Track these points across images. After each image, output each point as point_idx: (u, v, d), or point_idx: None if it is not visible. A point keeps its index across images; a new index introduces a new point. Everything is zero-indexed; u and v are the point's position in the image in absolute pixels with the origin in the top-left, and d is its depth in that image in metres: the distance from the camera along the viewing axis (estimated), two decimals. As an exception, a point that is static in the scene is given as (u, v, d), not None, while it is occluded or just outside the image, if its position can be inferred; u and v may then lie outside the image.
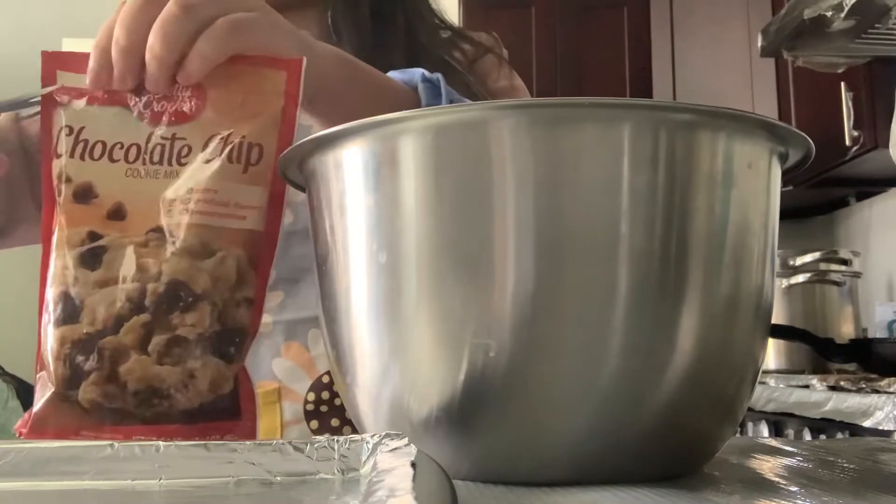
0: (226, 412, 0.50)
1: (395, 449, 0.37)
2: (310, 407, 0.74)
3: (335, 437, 0.41)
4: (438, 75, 0.68)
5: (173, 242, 0.51)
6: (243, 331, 0.51)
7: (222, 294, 0.51)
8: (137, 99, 0.54)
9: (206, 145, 0.52)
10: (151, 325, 0.50)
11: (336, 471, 0.40)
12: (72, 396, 0.50)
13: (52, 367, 0.51)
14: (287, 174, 0.53)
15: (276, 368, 0.74)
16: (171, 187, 0.52)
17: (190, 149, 0.52)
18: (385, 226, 0.44)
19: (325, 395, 0.74)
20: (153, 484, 0.40)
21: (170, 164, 0.53)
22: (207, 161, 0.52)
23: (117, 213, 0.52)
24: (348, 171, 0.46)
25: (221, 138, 0.52)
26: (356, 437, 0.41)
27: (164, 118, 0.53)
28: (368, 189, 0.45)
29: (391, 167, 0.44)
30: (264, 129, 0.53)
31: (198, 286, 0.50)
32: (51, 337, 0.51)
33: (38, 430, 0.50)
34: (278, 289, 0.76)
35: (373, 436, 0.40)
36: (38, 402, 0.51)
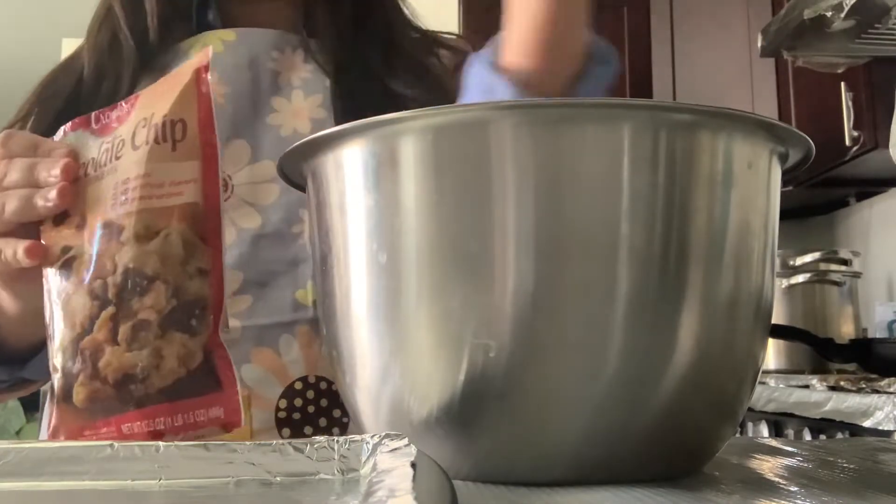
0: (205, 386, 0.50)
1: (395, 449, 0.37)
2: (282, 414, 0.71)
3: (335, 438, 0.41)
4: None
5: (121, 233, 0.52)
6: (202, 301, 0.52)
7: (173, 270, 0.51)
8: (94, 118, 0.58)
9: (134, 135, 0.54)
10: (118, 317, 0.51)
11: (336, 471, 0.40)
12: (70, 401, 0.52)
13: (53, 379, 0.53)
14: (287, 174, 0.53)
15: (246, 375, 0.71)
16: (111, 182, 0.54)
17: (123, 142, 0.55)
18: (385, 226, 0.44)
19: (298, 402, 0.71)
20: (153, 484, 0.40)
21: (111, 161, 0.55)
22: (137, 148, 0.54)
23: (82, 224, 0.55)
24: (348, 171, 0.46)
25: (145, 122, 0.54)
26: (356, 437, 0.41)
27: (109, 128, 0.57)
28: (368, 189, 0.45)
29: (391, 167, 0.44)
30: (183, 103, 0.54)
31: (148, 268, 0.51)
32: (49, 351, 0.54)
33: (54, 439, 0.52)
34: (247, 293, 0.73)
35: (373, 436, 0.40)
36: (50, 414, 0.53)
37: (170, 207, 0.52)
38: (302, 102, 0.78)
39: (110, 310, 0.51)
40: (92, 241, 0.53)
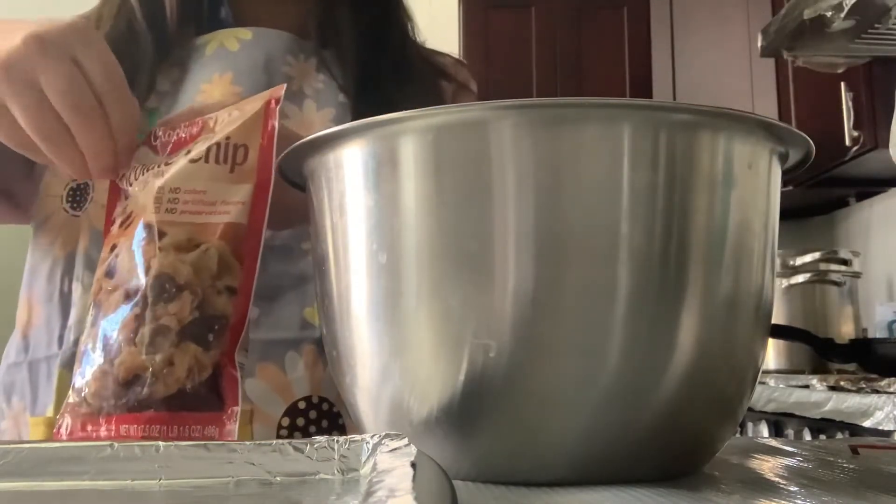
0: (207, 403, 0.51)
1: (395, 449, 0.37)
2: (283, 433, 0.70)
3: (335, 438, 0.41)
4: None
5: (160, 238, 0.53)
6: (223, 318, 0.52)
7: (203, 283, 0.52)
8: (153, 134, 0.59)
9: (191, 149, 0.55)
10: (142, 318, 0.52)
11: (336, 471, 0.40)
12: (83, 392, 0.53)
13: (75, 371, 0.54)
14: (287, 174, 0.53)
15: (249, 389, 0.70)
16: (155, 186, 0.55)
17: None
18: (385, 226, 0.44)
19: (301, 421, 0.71)
20: (153, 484, 0.40)
21: (163, 168, 0.56)
22: (193, 161, 0.54)
23: (126, 222, 0.56)
24: (348, 171, 0.46)
25: (206, 140, 0.55)
26: (356, 437, 0.41)
27: (170, 147, 0.58)
28: (368, 189, 0.45)
29: (391, 167, 0.44)
30: (249, 129, 0.55)
31: (181, 277, 0.52)
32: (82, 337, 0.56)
33: (59, 432, 0.53)
34: (253, 305, 0.73)
35: (373, 436, 0.40)
36: (64, 404, 0.54)
37: (215, 224, 0.53)
38: (314, 114, 0.78)
39: (136, 310, 0.52)
40: (132, 243, 0.54)
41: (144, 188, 0.55)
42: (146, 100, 0.75)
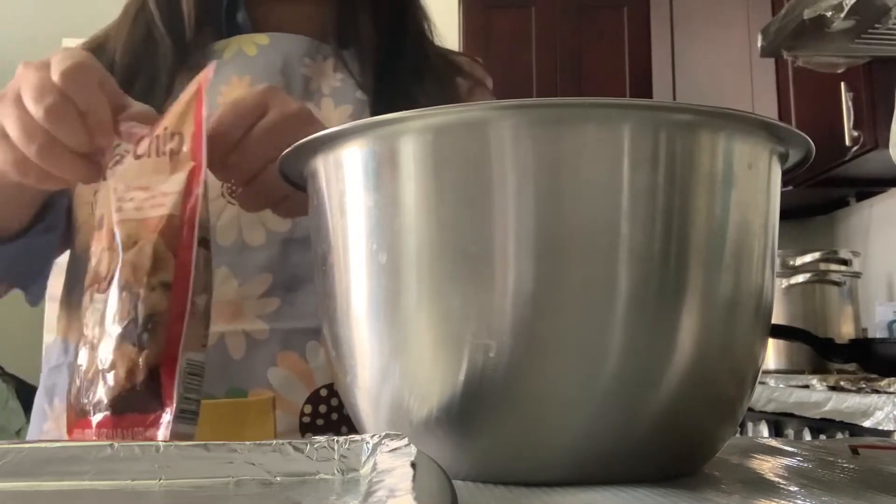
0: (147, 404, 0.50)
1: (395, 449, 0.37)
2: (306, 419, 0.71)
3: (335, 438, 0.41)
4: None
5: (114, 239, 0.53)
6: (156, 316, 0.51)
7: (139, 282, 0.52)
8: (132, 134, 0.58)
9: (138, 143, 0.56)
10: (99, 322, 0.52)
11: (336, 471, 0.40)
12: (70, 396, 0.54)
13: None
14: (287, 174, 0.53)
15: (272, 377, 0.72)
16: (111, 186, 0.56)
17: (128, 150, 0.57)
18: (385, 226, 0.44)
19: (323, 408, 0.72)
20: (153, 484, 0.40)
21: (114, 167, 0.56)
22: (138, 157, 0.55)
23: (98, 224, 0.56)
24: (348, 171, 0.46)
25: (152, 133, 0.56)
26: (356, 437, 0.41)
27: (138, 142, 0.57)
28: (368, 189, 0.45)
29: (391, 167, 0.44)
30: (183, 117, 0.55)
31: (122, 277, 0.52)
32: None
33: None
34: (275, 295, 0.73)
35: (373, 436, 0.40)
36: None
37: (152, 218, 0.53)
38: (332, 112, 0.79)
39: (97, 315, 0.52)
40: (100, 246, 0.54)
41: (105, 188, 0.56)
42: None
